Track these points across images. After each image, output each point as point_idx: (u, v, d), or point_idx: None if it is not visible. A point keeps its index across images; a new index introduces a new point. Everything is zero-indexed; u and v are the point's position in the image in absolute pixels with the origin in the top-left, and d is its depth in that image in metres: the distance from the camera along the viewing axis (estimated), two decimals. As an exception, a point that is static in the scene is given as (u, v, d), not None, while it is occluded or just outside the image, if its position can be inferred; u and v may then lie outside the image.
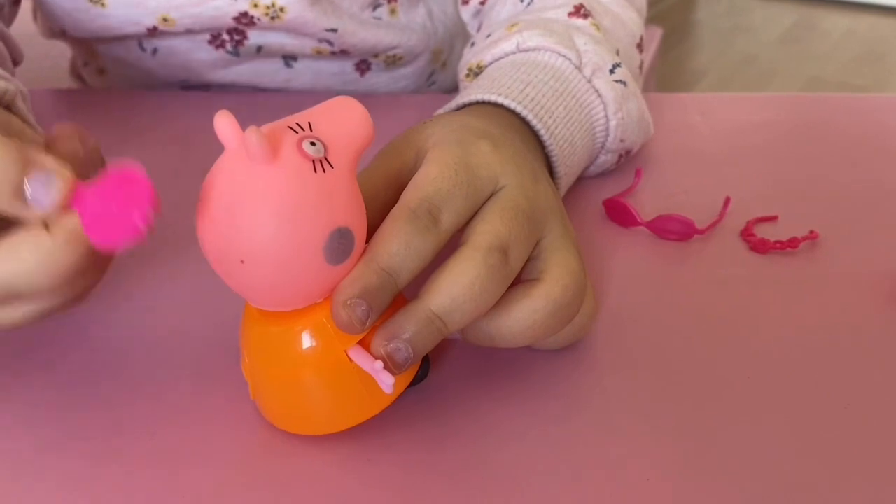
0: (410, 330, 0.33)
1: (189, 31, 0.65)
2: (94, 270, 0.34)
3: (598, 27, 0.53)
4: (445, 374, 0.39)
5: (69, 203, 0.31)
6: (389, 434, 0.36)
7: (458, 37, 0.75)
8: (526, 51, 0.51)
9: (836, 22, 2.90)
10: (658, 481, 0.34)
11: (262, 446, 0.35)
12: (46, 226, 0.31)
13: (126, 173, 0.30)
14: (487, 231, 0.34)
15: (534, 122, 0.46)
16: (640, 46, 0.58)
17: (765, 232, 0.49)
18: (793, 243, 0.47)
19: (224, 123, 0.30)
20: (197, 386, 0.38)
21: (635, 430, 0.36)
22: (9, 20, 0.65)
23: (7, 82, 0.44)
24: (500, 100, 0.46)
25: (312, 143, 0.31)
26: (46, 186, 0.31)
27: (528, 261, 0.36)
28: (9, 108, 0.44)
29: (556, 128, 0.47)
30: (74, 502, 0.33)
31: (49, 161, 0.31)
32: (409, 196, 0.34)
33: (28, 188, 0.31)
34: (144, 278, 0.45)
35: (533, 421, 0.37)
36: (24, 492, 0.34)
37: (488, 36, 0.54)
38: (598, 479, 0.34)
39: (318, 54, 0.68)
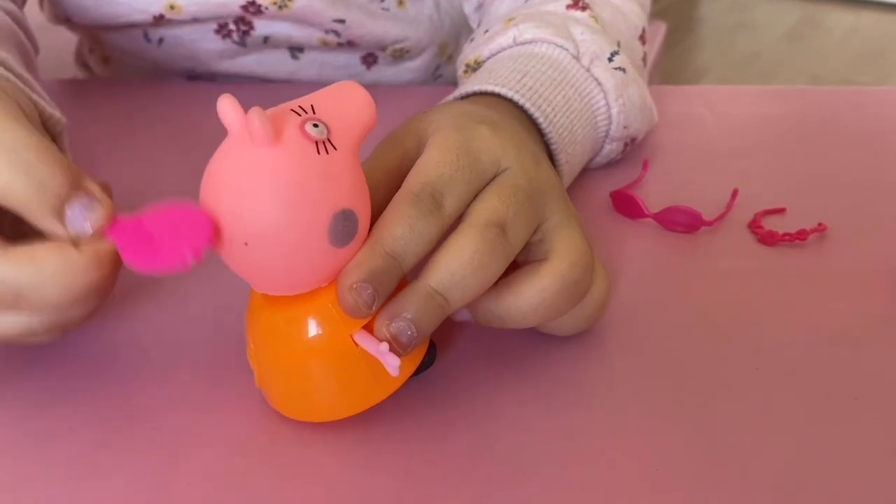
0: (412, 308, 0.32)
1: (195, 20, 0.64)
2: (93, 300, 0.34)
3: (596, 19, 0.53)
4: (452, 362, 0.39)
5: (104, 233, 0.32)
6: (396, 423, 0.36)
7: (465, 30, 0.75)
8: (523, 43, 0.51)
9: (840, 19, 2.89)
10: (666, 472, 0.33)
11: (268, 435, 0.35)
12: (74, 244, 0.32)
13: (188, 209, 0.31)
14: (484, 208, 0.34)
15: (531, 109, 0.46)
16: (642, 39, 0.58)
17: (773, 224, 0.48)
18: (801, 235, 0.47)
19: (227, 106, 0.30)
20: (202, 375, 0.38)
21: (643, 421, 0.36)
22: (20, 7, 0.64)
23: (60, 114, 0.44)
24: (497, 89, 0.46)
25: (315, 125, 0.31)
26: (88, 212, 0.32)
27: (533, 244, 0.36)
28: (54, 140, 0.44)
29: (554, 116, 0.47)
30: (78, 490, 0.33)
31: (96, 189, 0.32)
32: (412, 181, 0.34)
33: (69, 209, 0.32)
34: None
35: (540, 411, 0.36)
36: (29, 477, 0.33)
37: (486, 31, 0.54)
38: (606, 470, 0.34)
39: (325, 45, 0.67)
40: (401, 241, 0.33)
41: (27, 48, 0.51)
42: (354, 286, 0.32)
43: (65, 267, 0.31)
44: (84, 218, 0.32)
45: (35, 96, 0.40)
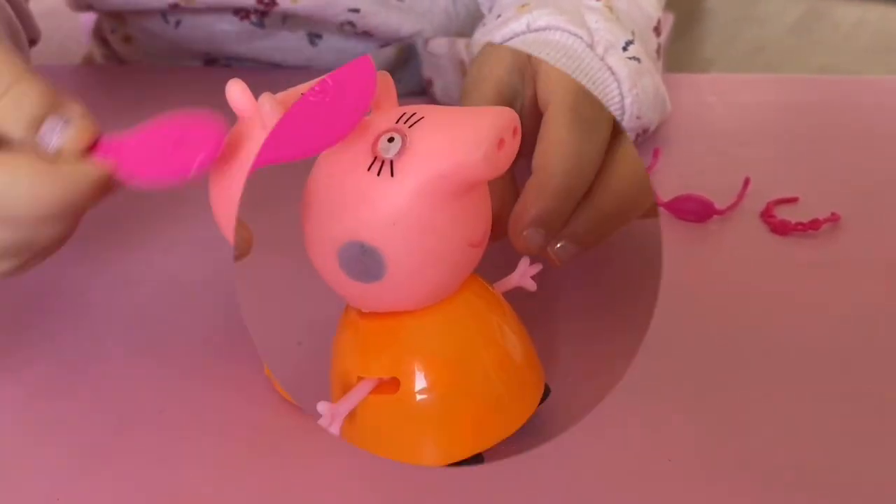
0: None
1: (211, 9, 0.64)
2: (71, 218, 0.32)
3: (611, 8, 0.53)
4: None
5: (92, 152, 0.31)
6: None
7: (480, 21, 0.74)
8: (536, 30, 0.51)
9: (846, 12, 2.88)
10: (677, 462, 0.33)
11: (274, 422, 0.35)
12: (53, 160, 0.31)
13: (194, 117, 0.30)
14: None
15: None
16: (657, 30, 0.58)
17: (785, 214, 0.48)
18: (814, 225, 0.47)
19: (236, 91, 0.30)
20: (207, 361, 0.38)
21: (653, 411, 0.35)
22: None
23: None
24: None
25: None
26: (61, 130, 0.31)
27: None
28: None
29: None
30: (81, 473, 0.33)
31: (76, 109, 0.31)
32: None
33: (43, 125, 0.30)
34: (152, 249, 0.45)
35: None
36: (35, 462, 0.33)
37: (498, 16, 0.54)
38: (618, 460, 0.33)
39: (343, 32, 0.67)
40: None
41: (14, 24, 0.51)
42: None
43: (37, 177, 0.30)
44: (55, 135, 0.31)
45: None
